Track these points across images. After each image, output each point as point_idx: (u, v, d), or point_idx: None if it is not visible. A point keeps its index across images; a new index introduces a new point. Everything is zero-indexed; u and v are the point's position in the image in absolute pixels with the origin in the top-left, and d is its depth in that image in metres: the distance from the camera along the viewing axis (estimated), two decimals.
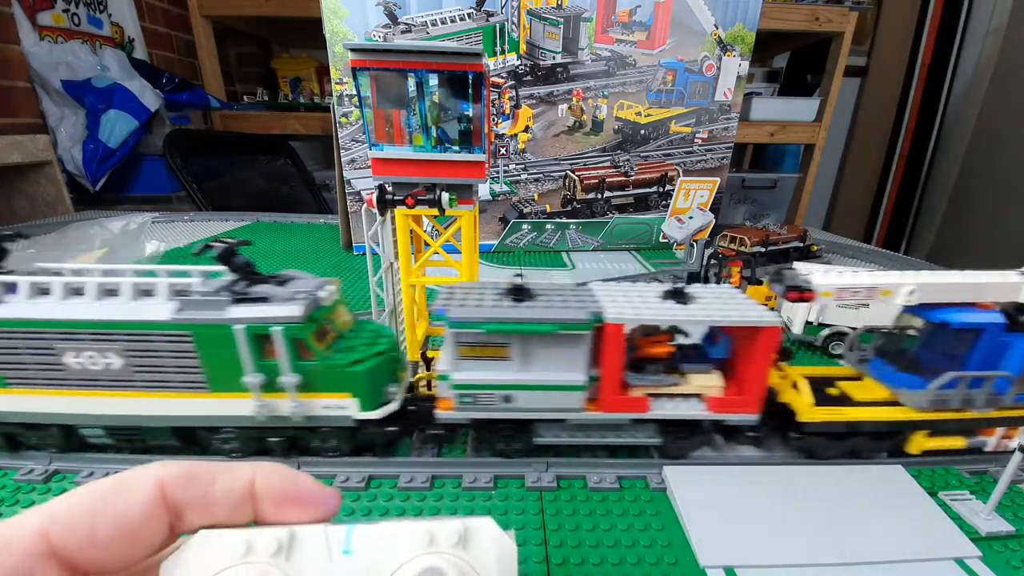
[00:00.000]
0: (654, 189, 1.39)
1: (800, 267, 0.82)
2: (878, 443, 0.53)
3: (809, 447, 0.53)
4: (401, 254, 0.62)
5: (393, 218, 0.60)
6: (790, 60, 2.78)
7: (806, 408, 0.50)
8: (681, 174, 1.37)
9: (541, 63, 1.23)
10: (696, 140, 1.35)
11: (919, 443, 0.53)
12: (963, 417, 0.51)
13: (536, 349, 0.47)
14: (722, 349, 0.53)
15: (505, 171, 1.32)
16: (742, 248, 1.17)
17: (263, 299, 0.45)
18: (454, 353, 0.46)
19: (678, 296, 0.48)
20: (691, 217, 1.15)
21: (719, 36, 1.24)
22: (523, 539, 0.43)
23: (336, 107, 1.18)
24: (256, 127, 2.26)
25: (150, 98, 1.88)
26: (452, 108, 0.53)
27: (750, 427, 0.52)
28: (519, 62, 1.22)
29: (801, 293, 0.48)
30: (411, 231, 0.61)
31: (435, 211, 0.56)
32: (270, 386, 0.46)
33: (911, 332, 0.56)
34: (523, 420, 0.50)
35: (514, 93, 1.24)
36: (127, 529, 0.21)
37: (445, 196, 0.55)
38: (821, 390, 0.54)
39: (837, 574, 0.40)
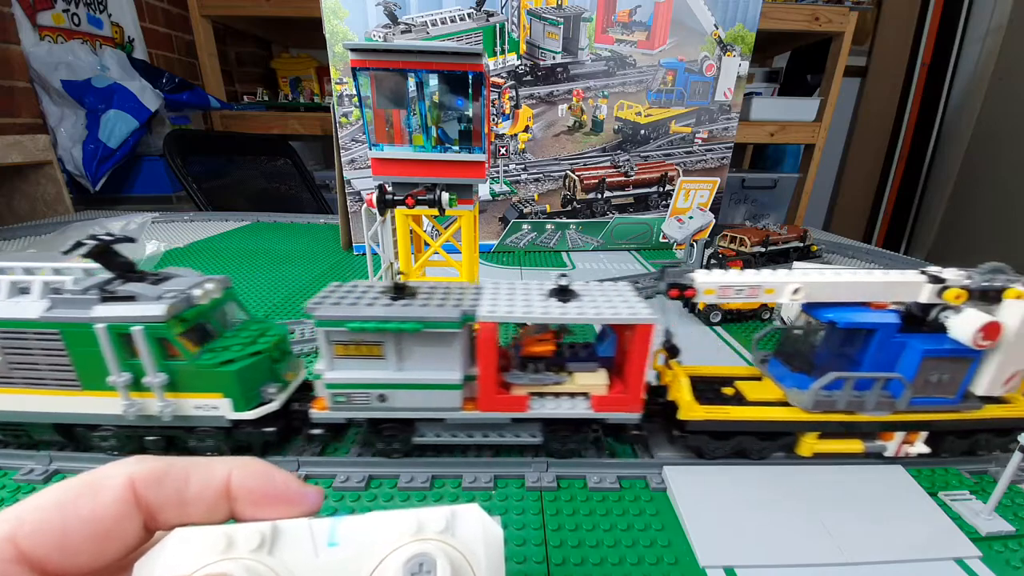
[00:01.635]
0: (654, 189, 1.39)
1: (799, 266, 0.82)
2: (766, 443, 0.52)
3: (696, 446, 0.52)
4: (401, 254, 0.62)
5: (393, 218, 0.60)
6: (790, 60, 2.78)
7: (687, 406, 0.49)
8: (681, 174, 1.37)
9: (541, 63, 1.23)
10: (696, 140, 1.35)
11: (810, 445, 0.51)
12: (848, 420, 0.49)
13: (410, 348, 0.46)
14: (608, 347, 0.53)
15: (505, 171, 1.32)
16: (742, 248, 1.17)
17: (130, 298, 0.45)
18: (329, 352, 0.46)
19: (561, 294, 0.48)
20: (691, 217, 1.15)
21: (719, 36, 1.24)
22: (523, 539, 0.43)
23: (336, 107, 1.18)
24: (256, 127, 2.27)
25: (150, 98, 1.88)
26: (452, 108, 0.53)
27: (635, 426, 0.51)
28: (519, 62, 1.22)
29: (682, 291, 0.47)
30: (411, 231, 0.61)
31: (435, 211, 0.56)
32: (140, 385, 0.46)
33: (808, 333, 0.54)
34: (405, 419, 0.49)
35: (514, 93, 1.24)
36: (97, 531, 0.20)
37: (445, 196, 0.55)
38: (716, 389, 0.54)
39: (837, 574, 0.40)
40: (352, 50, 0.49)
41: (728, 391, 0.54)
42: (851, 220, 3.10)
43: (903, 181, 2.94)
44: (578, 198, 1.35)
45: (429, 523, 0.22)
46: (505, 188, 1.34)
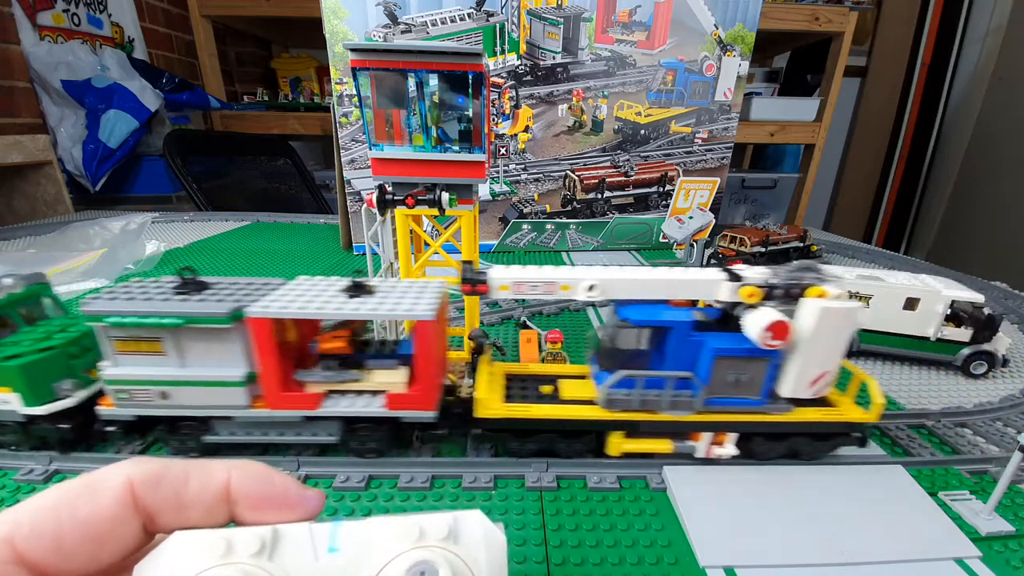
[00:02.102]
0: (654, 189, 1.39)
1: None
2: (571, 442, 0.51)
3: (504, 445, 0.51)
4: (401, 254, 0.62)
5: (393, 218, 0.60)
6: (790, 60, 2.78)
7: (482, 403, 0.48)
8: (681, 174, 1.37)
9: (541, 63, 1.23)
10: (696, 140, 1.35)
11: (617, 444, 0.50)
12: (640, 419, 0.49)
13: (190, 344, 0.46)
14: (408, 345, 0.52)
15: (505, 171, 1.32)
16: (742, 248, 1.17)
17: None
18: (109, 348, 0.46)
19: (354, 290, 0.47)
20: (691, 217, 1.15)
21: (719, 36, 1.24)
22: (523, 539, 0.43)
23: (336, 107, 1.18)
24: (256, 127, 2.26)
25: (150, 98, 1.88)
26: (452, 108, 0.53)
27: (432, 424, 0.50)
28: (519, 62, 1.22)
29: (474, 286, 0.46)
30: (411, 231, 0.61)
31: (435, 211, 0.56)
32: None
33: (617, 331, 0.53)
34: (200, 417, 0.49)
35: (514, 93, 1.24)
36: (95, 533, 0.20)
37: (445, 196, 0.55)
38: (536, 386, 0.53)
39: (837, 574, 0.40)
40: (352, 50, 0.49)
41: (547, 389, 0.53)
42: (851, 220, 3.10)
43: (903, 181, 2.94)
44: (578, 198, 1.35)
45: (431, 530, 0.21)
46: (505, 188, 1.34)
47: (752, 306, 0.46)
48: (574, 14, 1.19)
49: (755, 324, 0.44)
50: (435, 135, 0.53)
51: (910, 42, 2.73)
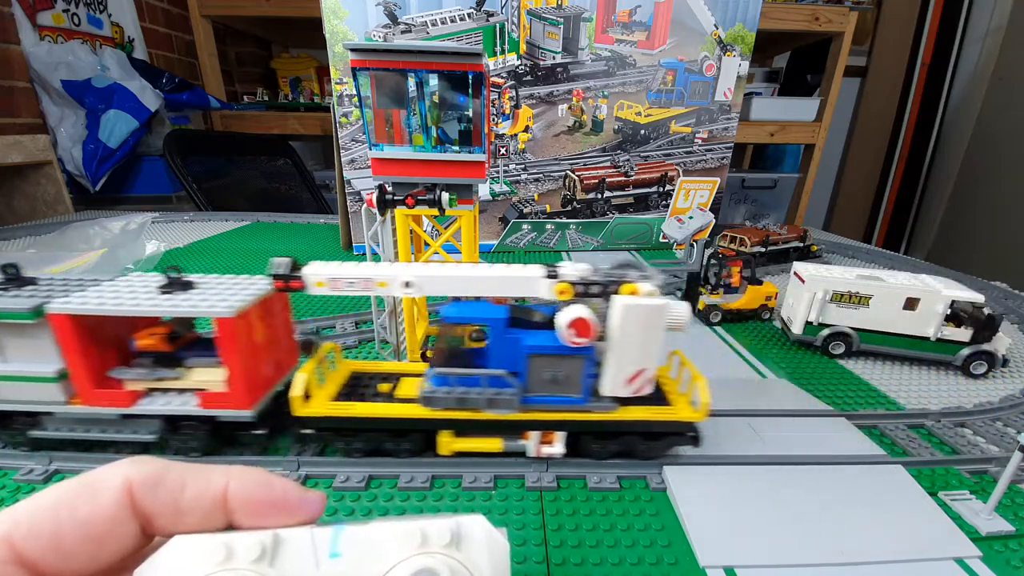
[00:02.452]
0: (654, 189, 1.39)
1: (798, 267, 0.82)
2: (399, 441, 0.51)
3: (332, 444, 0.51)
4: (401, 254, 0.62)
5: (393, 218, 0.60)
6: (790, 60, 2.78)
7: (298, 402, 0.48)
8: (681, 174, 1.37)
9: (541, 63, 1.23)
10: (696, 140, 1.35)
11: (446, 444, 0.50)
12: (455, 417, 0.48)
13: (7, 340, 0.47)
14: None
15: (505, 171, 1.32)
16: (742, 248, 1.17)
17: None
18: None
19: (167, 287, 0.47)
20: (691, 217, 1.15)
21: (719, 36, 1.24)
22: (523, 539, 0.43)
23: (336, 107, 1.18)
24: (256, 127, 2.26)
25: (150, 98, 1.88)
26: (452, 108, 0.53)
27: (251, 423, 0.49)
28: (519, 62, 1.22)
29: (287, 283, 0.45)
30: (411, 231, 0.61)
31: (435, 211, 0.56)
32: None
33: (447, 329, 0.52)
34: (29, 413, 0.49)
35: (514, 93, 1.24)
36: (94, 533, 0.20)
37: (445, 196, 0.55)
38: (375, 384, 0.53)
39: (837, 574, 0.40)
40: (352, 50, 0.49)
41: (384, 387, 0.52)
42: (851, 220, 3.10)
43: (903, 181, 2.94)
44: (578, 198, 1.35)
45: (434, 535, 0.21)
46: (505, 188, 1.34)
47: (568, 303, 0.46)
48: (574, 14, 1.19)
49: (561, 321, 0.44)
50: (435, 135, 0.54)
51: (910, 42, 2.73)
